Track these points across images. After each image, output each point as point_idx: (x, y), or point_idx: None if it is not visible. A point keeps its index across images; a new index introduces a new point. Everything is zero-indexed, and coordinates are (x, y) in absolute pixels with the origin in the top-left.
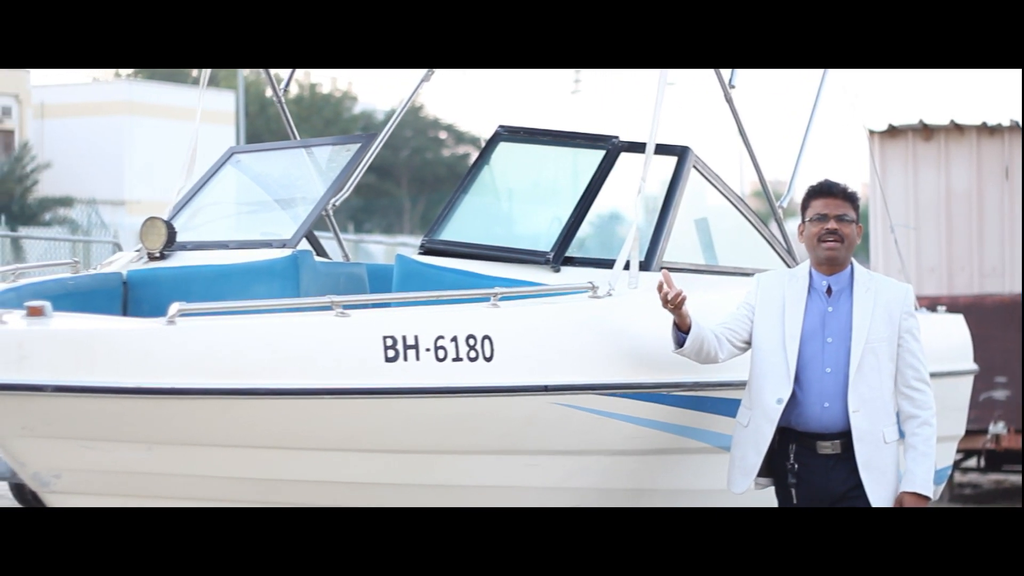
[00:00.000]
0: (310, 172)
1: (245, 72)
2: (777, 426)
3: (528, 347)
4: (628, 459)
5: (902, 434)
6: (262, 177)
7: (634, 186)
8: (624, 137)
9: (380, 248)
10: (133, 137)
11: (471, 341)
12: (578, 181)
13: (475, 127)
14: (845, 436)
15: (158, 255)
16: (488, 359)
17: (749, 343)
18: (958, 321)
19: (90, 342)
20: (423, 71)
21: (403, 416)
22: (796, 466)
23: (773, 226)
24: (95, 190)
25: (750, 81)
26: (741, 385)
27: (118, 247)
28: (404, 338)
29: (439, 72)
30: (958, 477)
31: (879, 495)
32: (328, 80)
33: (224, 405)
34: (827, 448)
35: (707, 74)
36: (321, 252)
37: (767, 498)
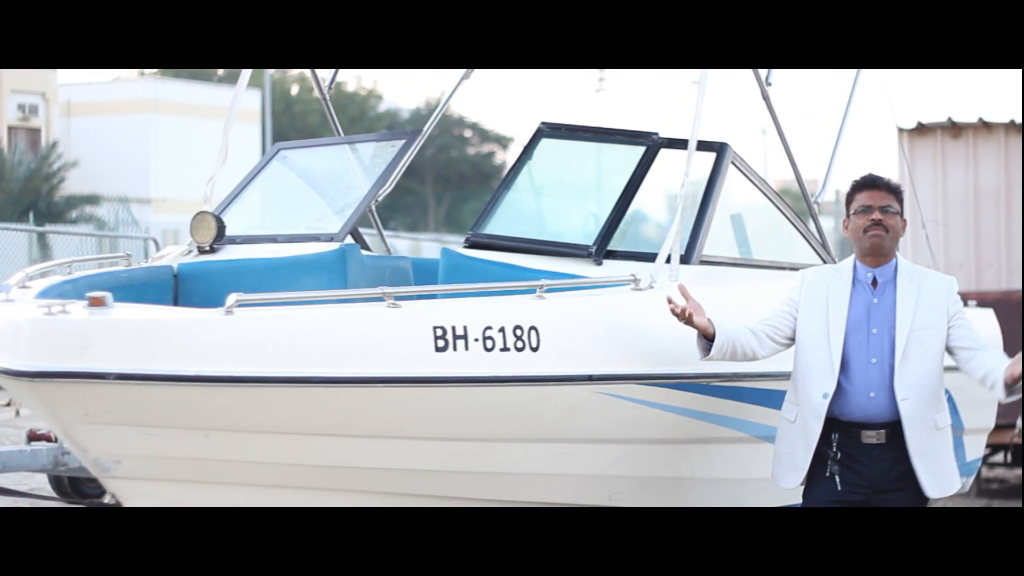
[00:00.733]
0: (354, 168)
1: (270, 71)
2: None
3: (572, 338)
4: (668, 448)
5: (955, 423)
6: (308, 173)
7: (670, 182)
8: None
9: (404, 244)
10: (158, 135)
11: (518, 332)
12: (618, 176)
13: (499, 125)
14: (890, 426)
15: (208, 249)
16: (534, 349)
17: (791, 339)
18: (988, 315)
19: (151, 331)
20: (453, 71)
21: (452, 404)
22: (839, 454)
23: (809, 222)
24: (121, 188)
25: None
26: (780, 376)
27: (156, 243)
28: (453, 328)
29: (462, 72)
30: (985, 472)
31: (932, 484)
32: (353, 79)
33: (280, 393)
34: (872, 437)
35: (727, 72)
36: (364, 246)
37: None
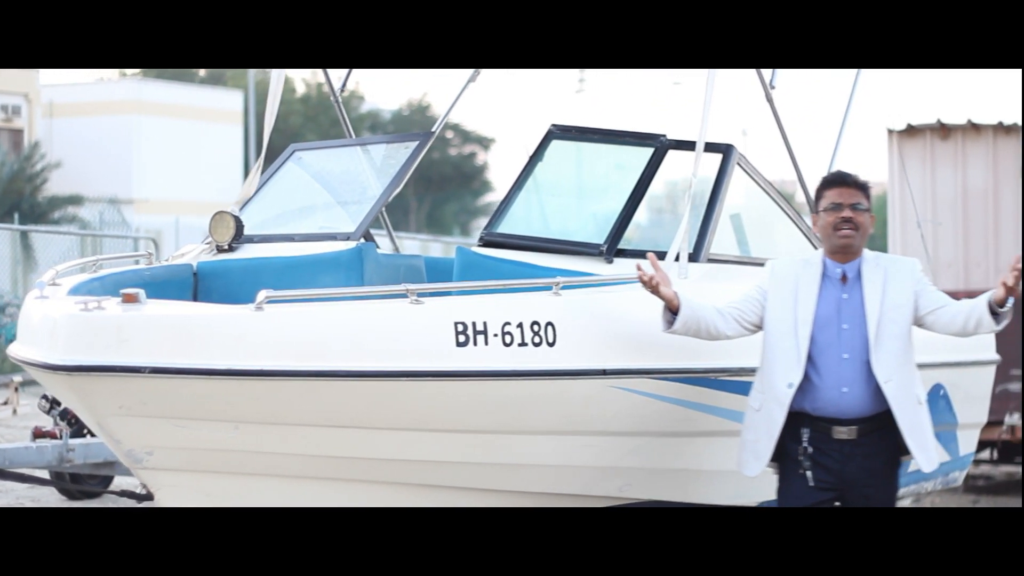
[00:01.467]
0: (367, 169)
1: (252, 71)
2: (789, 410)
3: (587, 333)
4: (678, 440)
5: (948, 419)
6: (322, 174)
7: (677, 182)
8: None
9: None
10: (140, 136)
11: (535, 327)
12: (628, 177)
13: (481, 127)
14: (862, 422)
15: (227, 247)
16: (551, 344)
17: (758, 326)
18: None
19: (185, 327)
20: (436, 72)
21: (473, 397)
22: (810, 449)
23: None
24: (103, 189)
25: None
26: None
27: (155, 244)
28: (474, 324)
29: (443, 72)
30: (971, 469)
31: (924, 458)
32: (335, 80)
33: (308, 386)
34: (843, 433)
35: (708, 73)
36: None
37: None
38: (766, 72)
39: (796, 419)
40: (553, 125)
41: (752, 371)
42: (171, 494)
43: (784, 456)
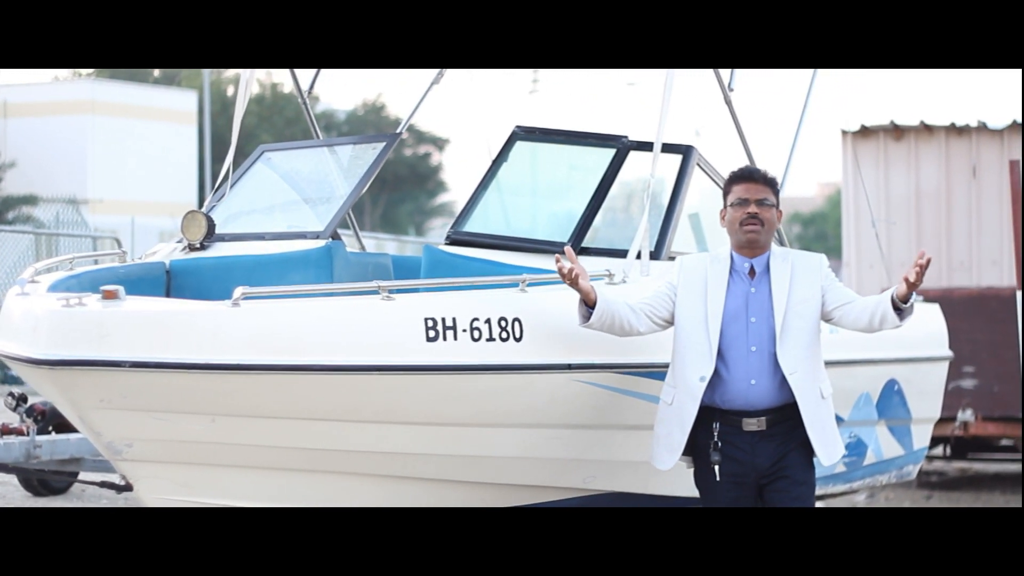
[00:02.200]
0: (334, 169)
1: (207, 72)
2: (700, 404)
3: (553, 329)
4: (641, 433)
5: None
6: (290, 174)
7: (638, 182)
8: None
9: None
10: (95, 136)
11: (502, 323)
12: (590, 177)
13: (436, 127)
14: (770, 413)
15: (199, 246)
16: (518, 339)
17: (669, 321)
18: (934, 310)
19: (164, 322)
20: (391, 73)
21: (442, 391)
22: (720, 443)
23: None
24: (57, 189)
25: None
26: None
27: (118, 242)
28: (443, 320)
29: (397, 73)
30: (925, 466)
31: (824, 452)
32: (290, 80)
33: (283, 380)
34: (753, 425)
35: (662, 73)
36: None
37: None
38: (725, 74)
39: (707, 413)
40: (517, 127)
41: None
42: (150, 485)
43: (697, 449)
